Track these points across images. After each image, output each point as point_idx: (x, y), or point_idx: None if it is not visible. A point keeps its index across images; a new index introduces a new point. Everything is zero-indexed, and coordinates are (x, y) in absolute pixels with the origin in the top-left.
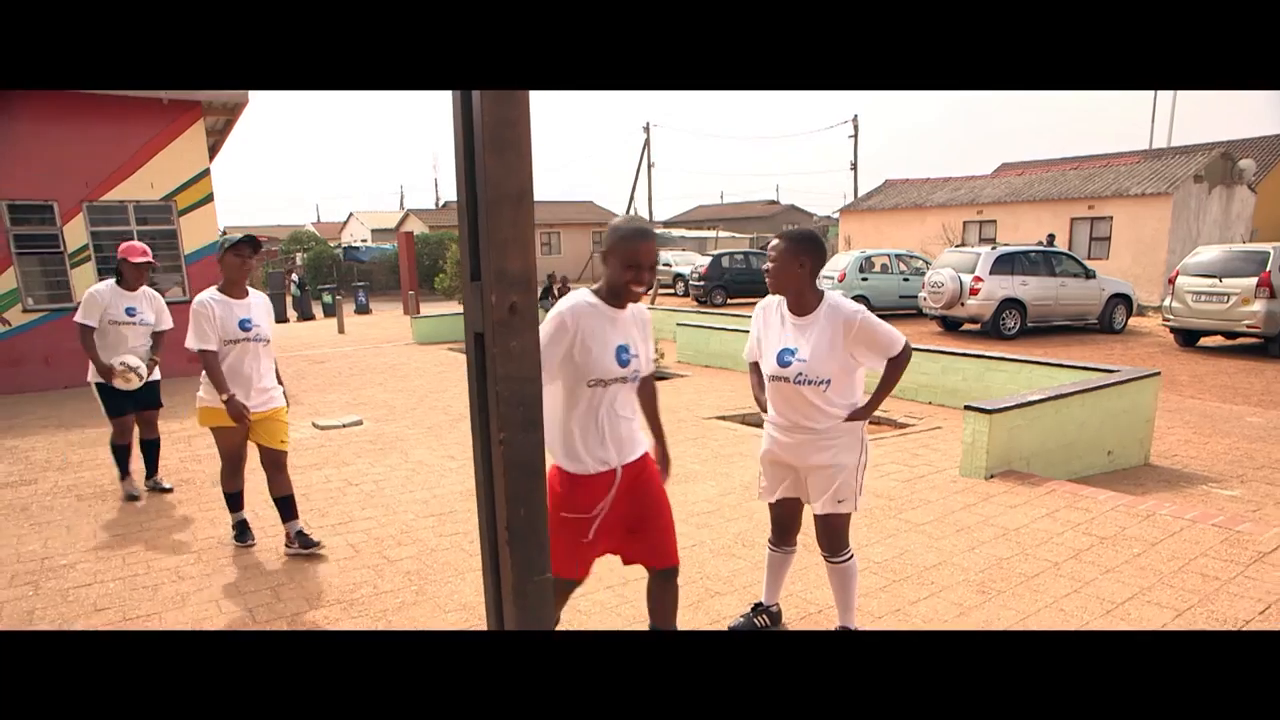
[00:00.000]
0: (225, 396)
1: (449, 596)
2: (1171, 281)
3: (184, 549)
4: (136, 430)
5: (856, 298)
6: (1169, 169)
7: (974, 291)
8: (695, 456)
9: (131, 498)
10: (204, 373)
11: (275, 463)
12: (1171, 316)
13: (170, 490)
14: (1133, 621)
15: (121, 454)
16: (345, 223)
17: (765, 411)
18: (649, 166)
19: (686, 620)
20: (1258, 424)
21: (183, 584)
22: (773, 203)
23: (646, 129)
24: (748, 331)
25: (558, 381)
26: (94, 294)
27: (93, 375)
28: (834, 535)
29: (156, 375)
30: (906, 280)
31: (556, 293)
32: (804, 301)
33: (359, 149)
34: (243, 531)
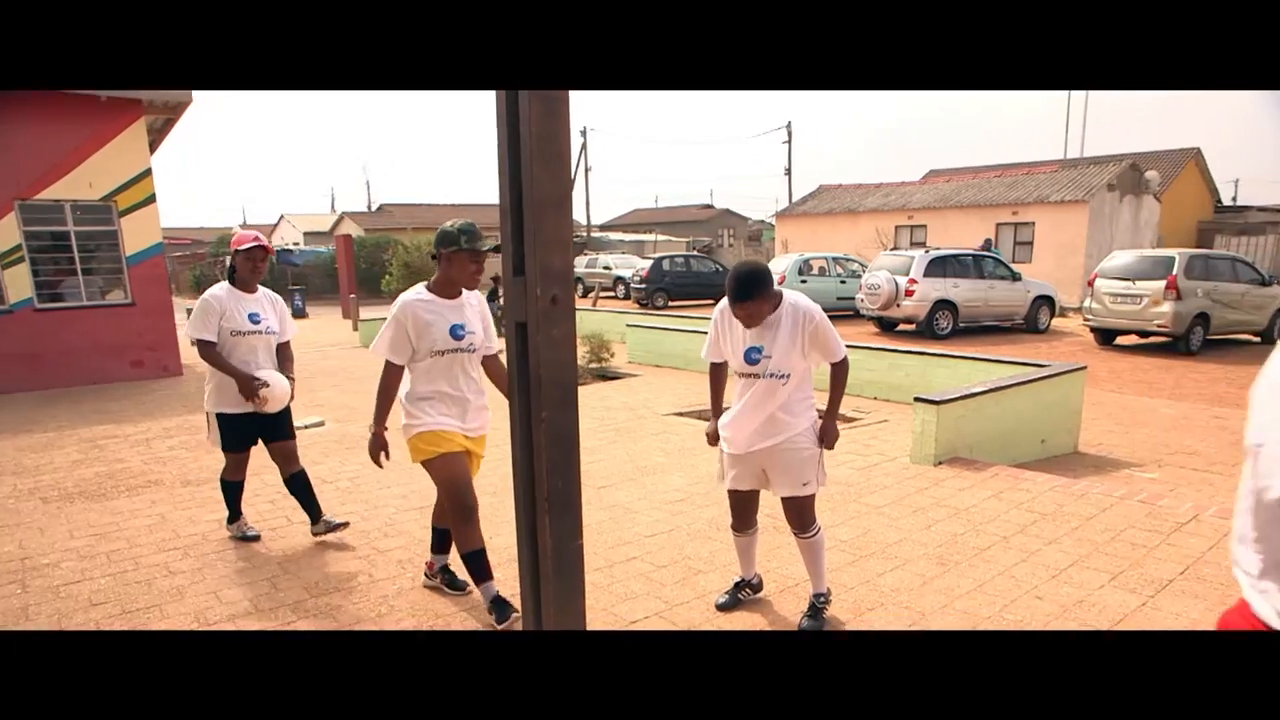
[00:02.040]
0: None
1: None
2: (1090, 284)
3: (168, 545)
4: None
5: None
6: (1085, 178)
7: (909, 293)
8: (661, 450)
9: (246, 538)
10: (405, 402)
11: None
12: (1091, 317)
13: (346, 525)
14: (1076, 585)
15: (233, 492)
16: (276, 225)
17: (717, 418)
18: (586, 170)
19: (675, 595)
20: (1171, 415)
21: (176, 578)
22: (708, 207)
23: (584, 133)
24: (697, 332)
25: None
26: (209, 300)
27: (212, 401)
28: (802, 514)
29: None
30: (844, 282)
31: (502, 295)
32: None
33: (287, 151)
34: (452, 579)
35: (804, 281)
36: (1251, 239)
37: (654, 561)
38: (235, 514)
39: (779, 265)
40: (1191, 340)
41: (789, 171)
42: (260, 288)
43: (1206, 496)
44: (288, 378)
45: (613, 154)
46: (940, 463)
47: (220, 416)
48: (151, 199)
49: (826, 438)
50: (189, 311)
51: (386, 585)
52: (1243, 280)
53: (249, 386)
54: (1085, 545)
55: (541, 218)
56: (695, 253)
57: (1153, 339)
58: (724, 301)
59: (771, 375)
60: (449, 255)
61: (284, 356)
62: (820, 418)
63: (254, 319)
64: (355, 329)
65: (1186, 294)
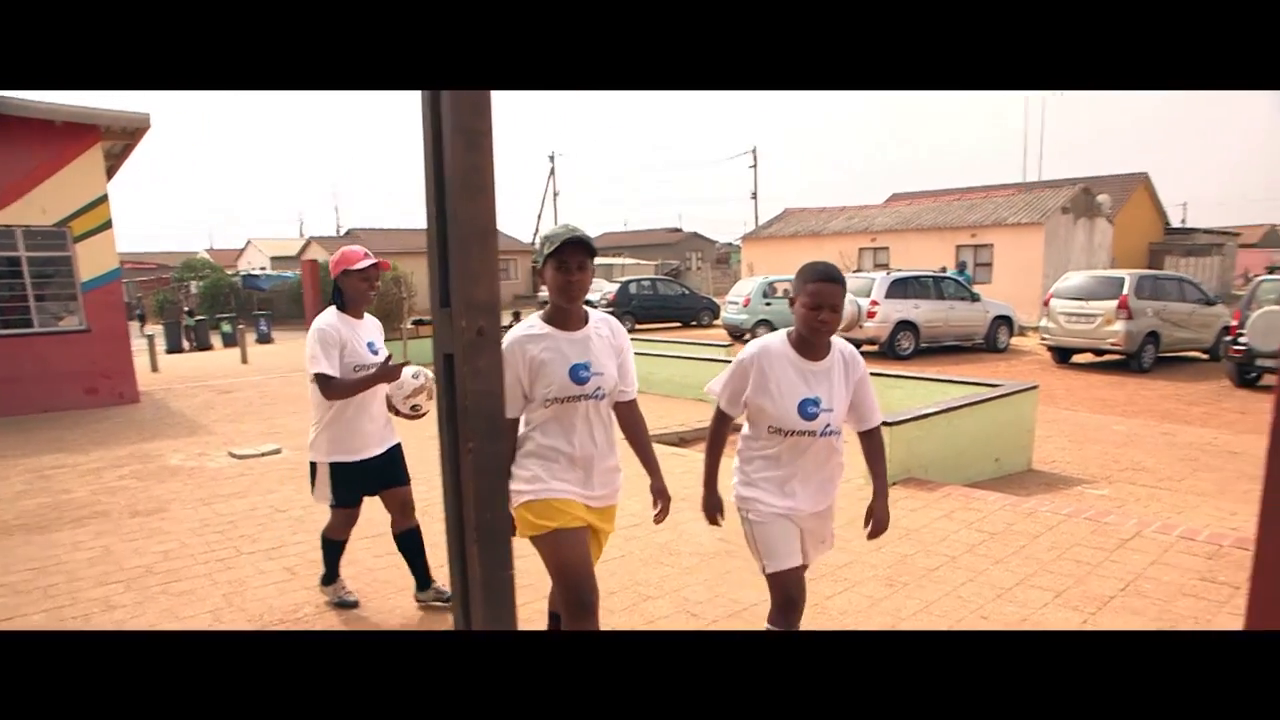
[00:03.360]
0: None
1: (391, 611)
2: (1046, 304)
3: (110, 579)
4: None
5: (761, 322)
6: (1040, 201)
7: (871, 314)
8: None
9: (344, 604)
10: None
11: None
12: (1048, 336)
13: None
14: (1020, 604)
15: (335, 552)
16: (243, 250)
17: (714, 485)
18: (554, 195)
19: (623, 622)
20: (1122, 431)
21: (115, 613)
22: (676, 230)
23: (551, 159)
24: (660, 356)
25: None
26: (326, 330)
27: (324, 450)
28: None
29: (398, 437)
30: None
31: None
32: (823, 343)
33: (255, 176)
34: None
35: (769, 304)
36: (1198, 260)
37: (603, 588)
38: (333, 575)
39: (745, 288)
40: (1143, 358)
41: (755, 195)
42: (365, 313)
43: (1152, 512)
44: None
45: (581, 178)
46: (894, 483)
47: (335, 467)
48: (108, 224)
49: (878, 524)
50: (151, 339)
51: (332, 617)
52: (1189, 300)
53: (391, 372)
54: (1032, 564)
55: (467, 251)
56: (662, 276)
57: (1107, 357)
58: (763, 344)
59: (830, 433)
60: (544, 270)
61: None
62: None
63: (373, 349)
64: None
65: (1137, 313)
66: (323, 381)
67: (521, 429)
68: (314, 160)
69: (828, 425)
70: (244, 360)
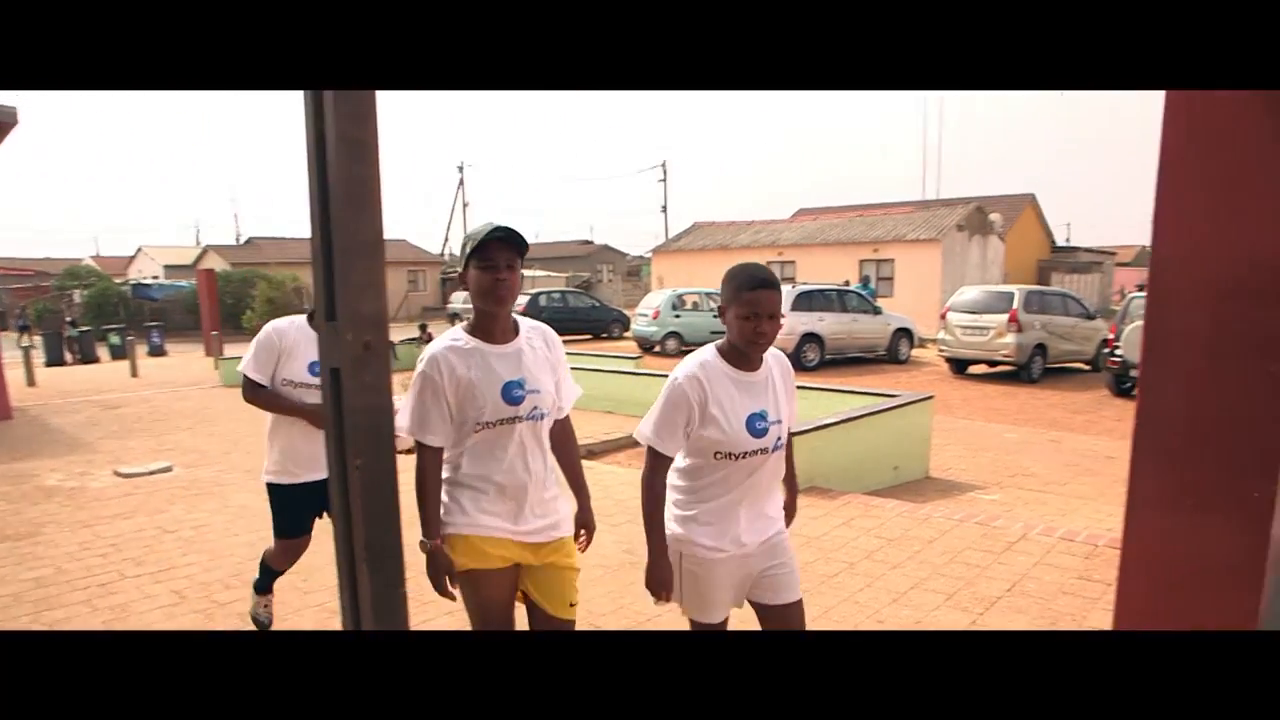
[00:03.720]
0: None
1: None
2: (943, 317)
3: None
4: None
5: (671, 334)
6: (937, 218)
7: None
8: None
9: (258, 621)
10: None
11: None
12: (945, 348)
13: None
14: (914, 607)
15: (271, 577)
16: (133, 258)
17: (664, 556)
18: (464, 206)
19: None
20: (1013, 439)
21: None
22: (587, 242)
23: (461, 169)
24: (573, 369)
25: None
26: (268, 334)
27: (274, 470)
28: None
29: None
30: (717, 316)
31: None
32: (759, 354)
33: (146, 181)
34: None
35: (678, 316)
36: (1081, 276)
37: None
38: (266, 585)
39: (655, 300)
40: (1033, 369)
41: (665, 209)
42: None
43: (1038, 515)
44: None
45: (490, 189)
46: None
47: (272, 488)
48: None
49: (790, 518)
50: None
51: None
52: (1072, 314)
53: (317, 418)
54: (926, 568)
55: (352, 263)
56: (573, 288)
57: (1000, 368)
58: (697, 363)
59: (780, 446)
60: (465, 273)
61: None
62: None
63: (314, 371)
64: (216, 367)
65: (1026, 326)
66: (245, 384)
67: (447, 453)
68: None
69: (779, 439)
70: (134, 374)
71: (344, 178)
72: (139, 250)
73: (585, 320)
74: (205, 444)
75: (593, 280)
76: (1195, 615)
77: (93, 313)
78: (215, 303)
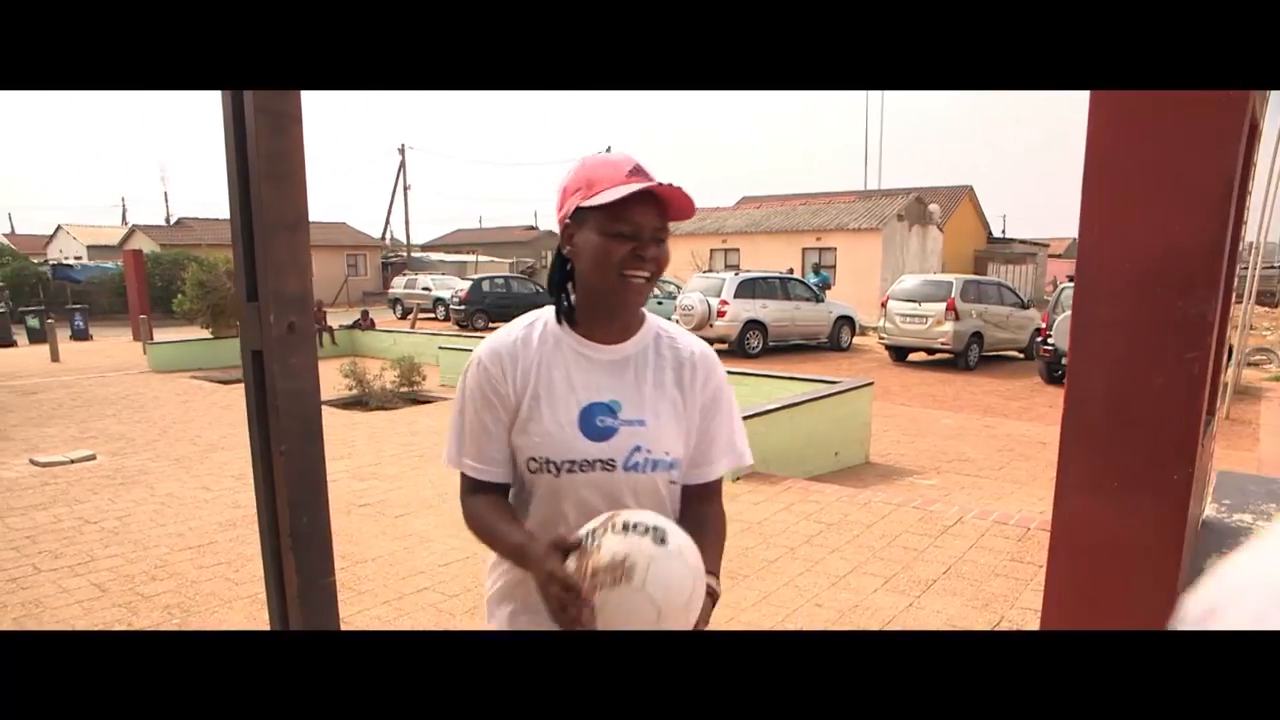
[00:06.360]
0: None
1: (216, 625)
2: (884, 305)
3: None
4: None
5: None
6: (878, 208)
7: (721, 314)
8: None
9: None
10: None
11: None
12: (885, 335)
13: None
14: (853, 590)
15: None
16: (52, 236)
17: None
18: (405, 189)
19: (465, 625)
20: (951, 425)
21: None
22: (531, 228)
23: (402, 150)
24: None
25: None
26: (483, 362)
27: (495, 605)
28: None
29: None
30: (660, 303)
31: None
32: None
33: (67, 155)
34: None
35: None
36: (1016, 267)
37: (445, 591)
38: None
39: None
40: (969, 357)
41: None
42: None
43: (974, 500)
44: None
45: (433, 172)
46: (738, 478)
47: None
48: None
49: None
50: None
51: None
52: (1007, 304)
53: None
54: (864, 552)
55: (273, 240)
56: (516, 274)
57: (938, 356)
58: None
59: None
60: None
61: None
62: None
63: (612, 416)
64: (145, 352)
65: (963, 315)
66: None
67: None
68: (139, 140)
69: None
70: (55, 358)
71: (264, 151)
72: (59, 229)
73: (529, 306)
74: (132, 431)
75: (537, 266)
76: (1120, 593)
77: (8, 293)
78: (144, 285)
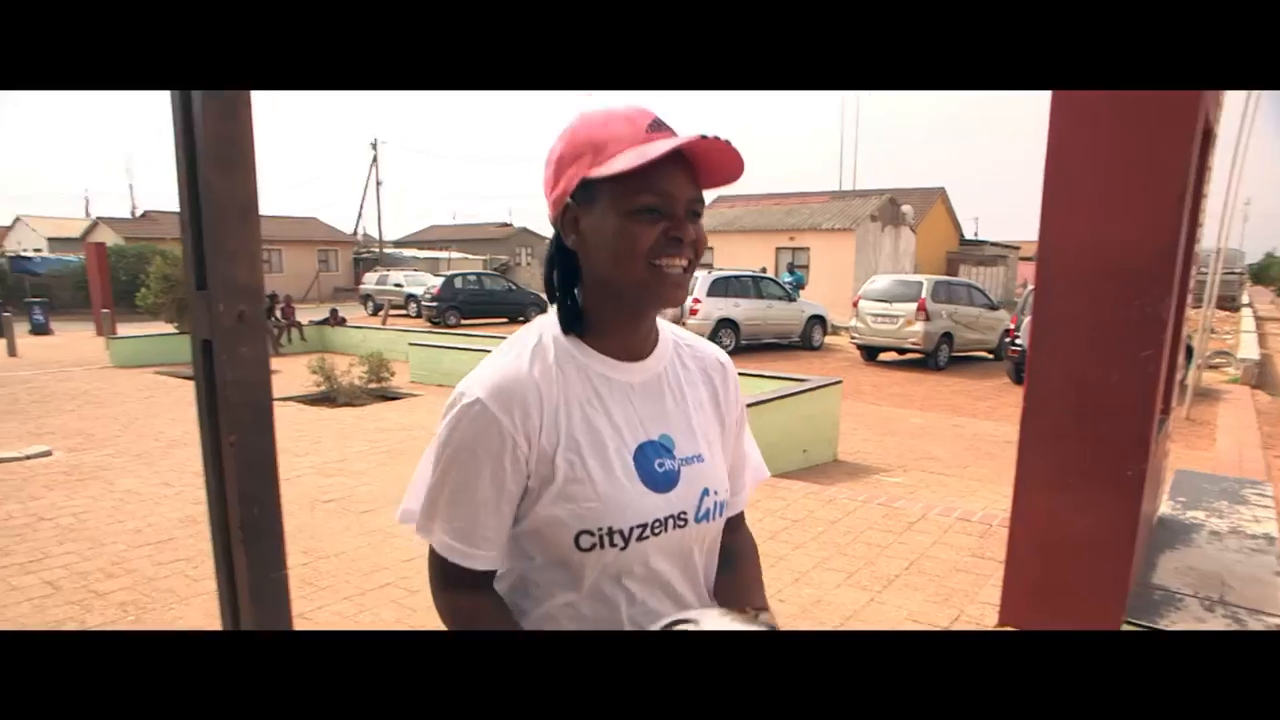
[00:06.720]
0: None
1: (173, 622)
2: (855, 305)
3: None
4: None
5: None
6: (852, 209)
7: (694, 312)
8: None
9: None
10: None
11: None
12: (857, 335)
13: None
14: (815, 585)
15: None
16: (10, 228)
17: None
18: (378, 184)
19: (427, 620)
20: (920, 424)
21: None
22: (506, 225)
23: (374, 145)
24: (480, 350)
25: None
26: (471, 409)
27: None
28: None
29: None
30: None
31: (279, 314)
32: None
33: (27, 144)
34: None
35: None
36: (987, 269)
37: (408, 587)
38: None
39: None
40: (939, 357)
41: None
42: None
43: (939, 497)
44: None
45: (407, 168)
46: None
47: None
48: None
49: None
50: None
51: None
52: (977, 305)
53: None
54: (828, 548)
55: (223, 228)
56: (490, 271)
57: (908, 355)
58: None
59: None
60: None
61: None
62: None
63: (668, 457)
64: (107, 347)
65: (934, 315)
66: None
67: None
68: (104, 132)
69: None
70: (12, 353)
71: (213, 135)
72: (17, 220)
73: (501, 303)
74: (92, 427)
75: (511, 264)
76: (1075, 587)
77: None
78: (107, 279)
